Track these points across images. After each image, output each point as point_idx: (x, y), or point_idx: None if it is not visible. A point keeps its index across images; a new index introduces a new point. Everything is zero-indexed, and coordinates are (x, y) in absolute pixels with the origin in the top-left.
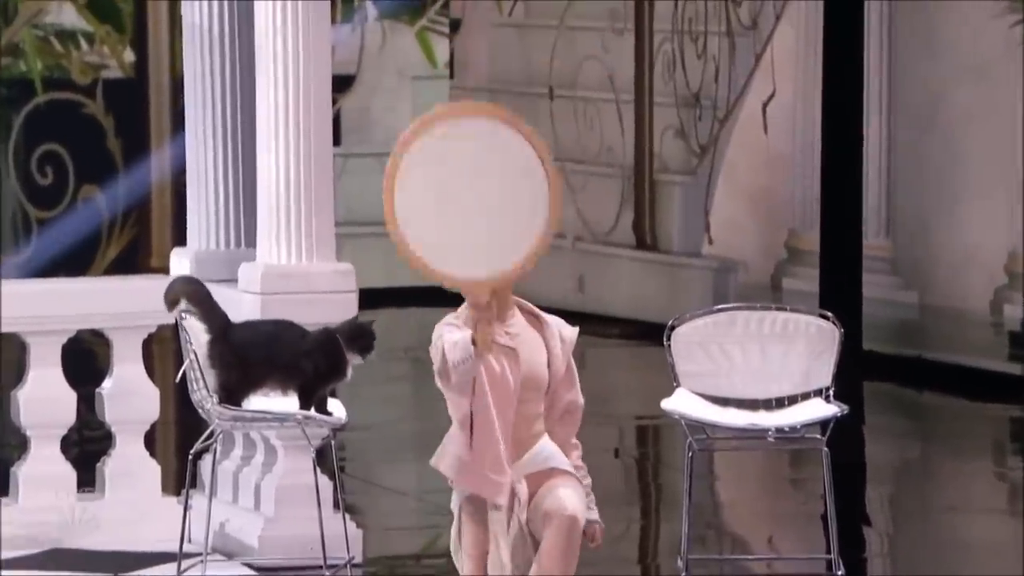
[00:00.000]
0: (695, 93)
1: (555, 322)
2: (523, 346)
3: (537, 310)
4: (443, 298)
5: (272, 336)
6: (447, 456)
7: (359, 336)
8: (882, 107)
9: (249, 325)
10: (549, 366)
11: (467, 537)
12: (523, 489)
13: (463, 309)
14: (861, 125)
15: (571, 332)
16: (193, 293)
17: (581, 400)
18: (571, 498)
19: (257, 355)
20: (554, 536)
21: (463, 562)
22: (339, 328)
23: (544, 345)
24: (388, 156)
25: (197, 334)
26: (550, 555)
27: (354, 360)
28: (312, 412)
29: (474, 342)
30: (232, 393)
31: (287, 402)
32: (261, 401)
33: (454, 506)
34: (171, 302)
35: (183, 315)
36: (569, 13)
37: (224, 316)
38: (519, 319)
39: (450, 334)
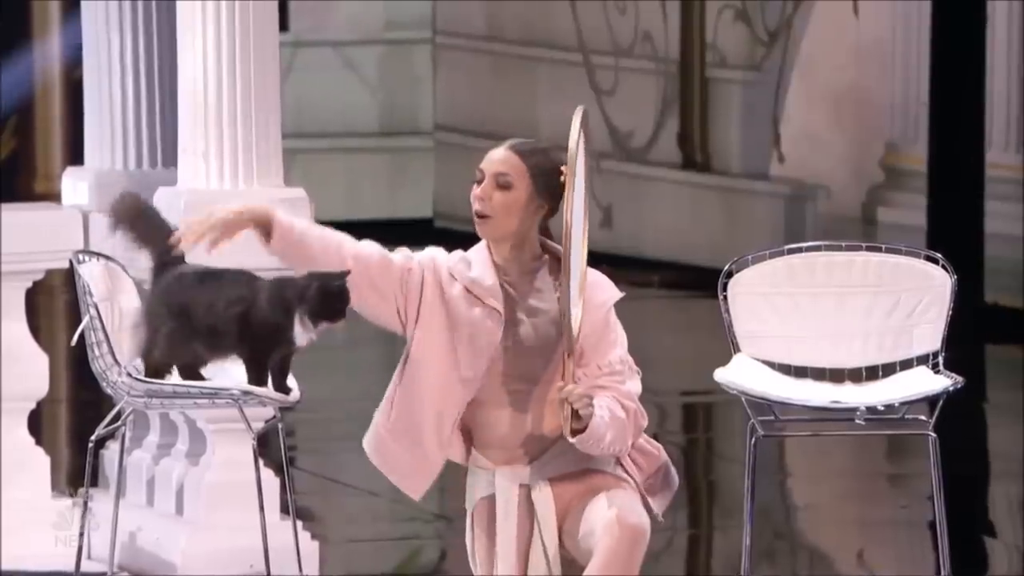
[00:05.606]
0: None
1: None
2: (534, 307)
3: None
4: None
5: (202, 287)
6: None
7: (321, 296)
8: None
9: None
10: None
11: (478, 550)
12: (545, 497)
13: (474, 252)
14: (984, 2)
15: (602, 297)
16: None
17: (620, 356)
18: (630, 504)
19: (178, 313)
20: (612, 548)
21: None
22: (297, 280)
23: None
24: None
25: (98, 282)
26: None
27: (316, 327)
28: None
29: None
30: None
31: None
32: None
33: (468, 505)
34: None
35: (80, 257)
36: None
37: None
38: (545, 273)
39: None
